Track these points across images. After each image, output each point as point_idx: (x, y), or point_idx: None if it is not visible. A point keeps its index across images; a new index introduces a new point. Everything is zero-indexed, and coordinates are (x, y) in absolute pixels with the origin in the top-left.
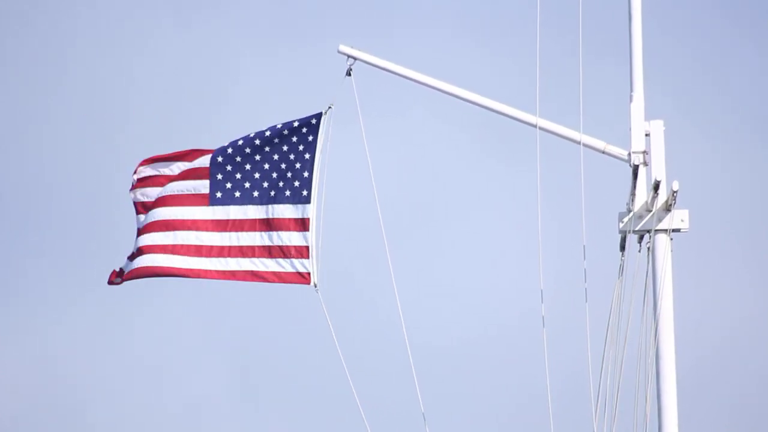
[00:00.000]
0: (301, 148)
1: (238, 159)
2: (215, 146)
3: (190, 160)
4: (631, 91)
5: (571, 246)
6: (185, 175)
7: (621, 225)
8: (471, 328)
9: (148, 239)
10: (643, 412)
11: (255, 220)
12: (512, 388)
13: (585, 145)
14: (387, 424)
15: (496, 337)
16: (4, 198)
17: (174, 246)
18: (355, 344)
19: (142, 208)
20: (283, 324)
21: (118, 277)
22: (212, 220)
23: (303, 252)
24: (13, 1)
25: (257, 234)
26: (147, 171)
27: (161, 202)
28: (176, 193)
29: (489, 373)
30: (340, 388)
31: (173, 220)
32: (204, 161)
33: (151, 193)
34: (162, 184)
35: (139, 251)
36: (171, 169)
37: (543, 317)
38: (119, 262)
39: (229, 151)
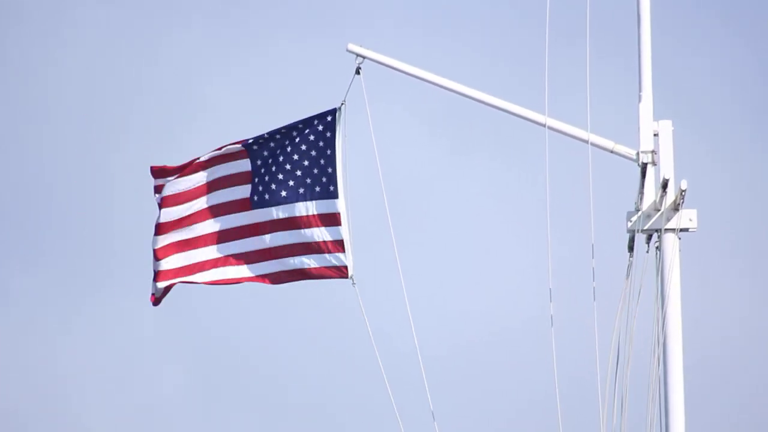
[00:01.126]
0: (321, 144)
1: (270, 161)
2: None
3: (217, 163)
4: (640, 90)
5: (578, 246)
6: (224, 183)
7: (629, 224)
8: (476, 330)
9: (201, 255)
10: (650, 411)
11: (288, 219)
12: (518, 390)
13: (593, 145)
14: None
15: (502, 339)
16: None
17: (225, 258)
18: (355, 345)
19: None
20: (245, 324)
21: (159, 298)
22: (253, 224)
23: (339, 246)
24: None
25: (294, 232)
26: (174, 186)
27: (204, 215)
28: (218, 202)
29: (495, 375)
30: (304, 389)
31: (218, 232)
32: (243, 165)
33: (179, 210)
34: (191, 197)
35: (192, 268)
36: (202, 178)
37: (551, 316)
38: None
39: (265, 153)
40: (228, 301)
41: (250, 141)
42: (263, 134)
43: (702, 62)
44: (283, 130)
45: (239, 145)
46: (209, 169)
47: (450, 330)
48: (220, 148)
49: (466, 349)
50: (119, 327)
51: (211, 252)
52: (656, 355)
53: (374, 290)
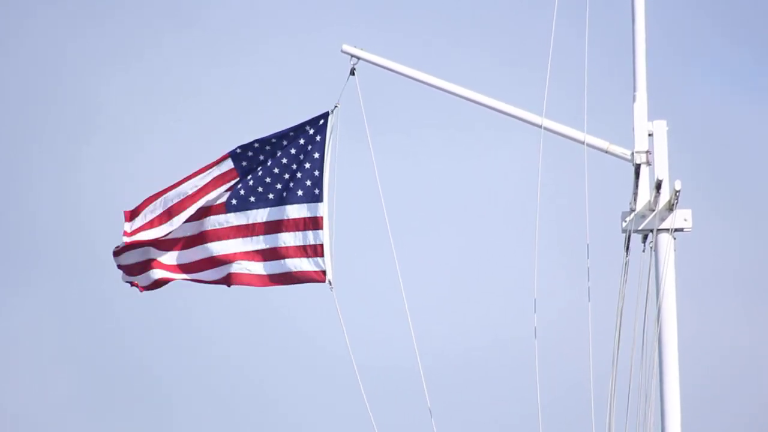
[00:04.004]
0: (309, 147)
1: (256, 164)
2: (220, 151)
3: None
4: (635, 91)
5: (573, 247)
6: (202, 192)
7: (624, 224)
8: (475, 335)
9: (173, 257)
10: (645, 411)
11: (271, 222)
12: (514, 398)
13: (588, 145)
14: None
15: (500, 345)
16: None
17: (200, 261)
18: (332, 349)
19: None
20: (143, 324)
21: (145, 288)
22: (231, 227)
23: (318, 250)
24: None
25: (274, 236)
26: (148, 215)
27: (184, 218)
28: (200, 206)
29: (491, 382)
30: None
31: (195, 235)
32: (224, 167)
33: (151, 234)
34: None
35: (162, 266)
36: (183, 196)
37: (535, 328)
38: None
39: (251, 155)
40: (125, 300)
41: (238, 151)
42: (253, 143)
43: (696, 62)
44: (273, 140)
45: (227, 158)
46: (193, 181)
47: (443, 338)
48: (205, 168)
49: (459, 356)
50: (9, 325)
51: (191, 254)
52: (652, 355)
53: (367, 290)
